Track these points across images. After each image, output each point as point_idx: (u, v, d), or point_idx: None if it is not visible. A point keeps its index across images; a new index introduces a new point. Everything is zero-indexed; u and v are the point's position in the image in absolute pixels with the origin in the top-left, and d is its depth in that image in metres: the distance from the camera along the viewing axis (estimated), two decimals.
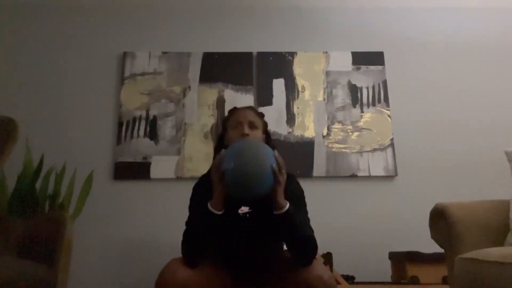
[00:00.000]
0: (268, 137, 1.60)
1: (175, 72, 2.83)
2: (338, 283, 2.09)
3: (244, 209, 1.40)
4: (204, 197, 1.35)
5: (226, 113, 1.63)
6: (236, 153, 1.25)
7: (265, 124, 1.60)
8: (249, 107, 1.58)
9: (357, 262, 2.51)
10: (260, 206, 1.37)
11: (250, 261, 1.45)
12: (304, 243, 1.30)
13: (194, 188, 1.54)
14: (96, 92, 2.80)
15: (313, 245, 1.31)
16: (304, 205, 1.49)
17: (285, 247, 1.44)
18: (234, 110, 1.57)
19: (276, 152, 1.32)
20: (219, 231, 1.32)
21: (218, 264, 1.44)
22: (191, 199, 1.52)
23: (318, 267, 1.27)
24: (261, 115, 1.60)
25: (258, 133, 1.52)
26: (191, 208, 1.49)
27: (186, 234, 1.36)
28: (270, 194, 1.29)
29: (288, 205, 1.30)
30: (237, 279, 1.45)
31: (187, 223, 1.43)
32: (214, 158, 1.49)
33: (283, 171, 1.30)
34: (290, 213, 1.29)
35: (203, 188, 1.45)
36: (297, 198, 1.45)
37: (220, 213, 1.30)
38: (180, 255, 1.35)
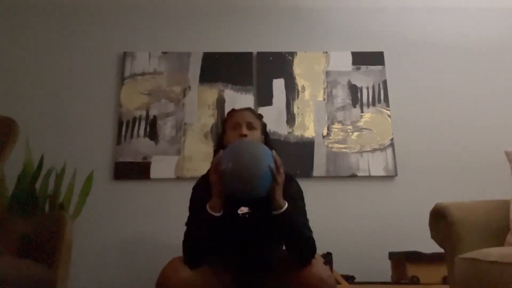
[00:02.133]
0: (266, 138, 1.61)
1: (175, 72, 2.83)
2: (338, 283, 2.09)
3: (243, 209, 1.40)
4: (203, 198, 1.36)
5: (226, 113, 1.64)
6: (234, 154, 1.26)
7: (263, 125, 1.61)
8: (248, 108, 1.59)
9: (357, 262, 2.51)
10: (259, 206, 1.37)
11: (250, 261, 1.44)
12: (303, 243, 1.31)
13: (194, 189, 1.54)
14: (96, 92, 2.80)
15: (312, 245, 1.32)
16: (303, 205, 1.49)
17: (284, 247, 1.44)
18: (232, 112, 1.58)
19: (274, 152, 1.32)
20: (218, 232, 1.32)
21: (218, 263, 1.44)
22: (191, 200, 1.52)
23: (318, 266, 1.27)
24: (260, 116, 1.60)
25: (257, 134, 1.53)
26: (190, 209, 1.50)
27: (186, 235, 1.37)
28: (268, 194, 1.29)
29: (286, 205, 1.30)
30: (237, 279, 1.45)
31: (187, 224, 1.43)
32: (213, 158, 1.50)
33: (281, 171, 1.31)
34: (289, 213, 1.30)
35: (202, 189, 1.46)
36: (296, 198, 1.45)
37: (218, 215, 1.30)
38: (180, 254, 1.36)
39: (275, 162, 1.29)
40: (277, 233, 1.33)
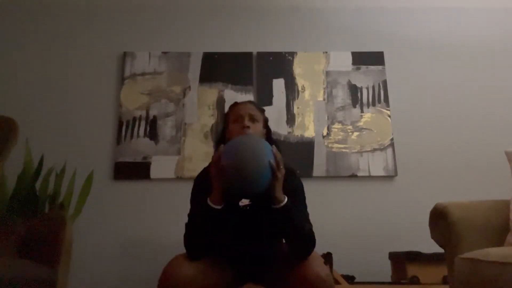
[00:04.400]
0: (268, 132, 1.62)
1: (175, 72, 2.83)
2: (338, 283, 2.09)
3: (244, 202, 1.41)
4: (204, 191, 1.37)
5: (228, 107, 1.65)
6: (235, 148, 1.27)
7: (265, 119, 1.62)
8: (250, 102, 1.60)
9: (357, 262, 2.51)
10: (260, 198, 1.38)
11: (251, 254, 1.44)
12: (302, 236, 1.32)
13: (195, 182, 1.55)
14: (96, 92, 2.80)
15: (311, 239, 1.33)
16: (303, 198, 1.50)
17: (284, 240, 1.45)
18: (234, 105, 1.59)
19: (274, 148, 1.33)
20: (219, 224, 1.33)
21: (220, 257, 1.44)
22: (192, 193, 1.53)
23: (316, 264, 1.27)
24: (262, 110, 1.61)
25: (259, 127, 1.53)
26: (192, 201, 1.51)
27: (188, 228, 1.38)
28: (268, 189, 1.30)
29: (286, 200, 1.31)
30: (239, 274, 1.45)
31: (189, 215, 1.44)
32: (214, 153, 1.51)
33: (281, 167, 1.31)
34: (289, 208, 1.31)
35: (203, 182, 1.46)
36: (296, 192, 1.46)
37: (219, 207, 1.31)
38: (181, 252, 1.36)
39: (275, 157, 1.30)
40: (277, 226, 1.34)
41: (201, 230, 1.33)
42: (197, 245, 1.33)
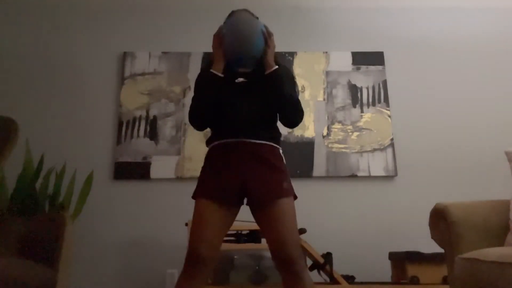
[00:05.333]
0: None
1: (175, 72, 2.83)
2: (338, 283, 2.09)
3: (240, 79, 1.55)
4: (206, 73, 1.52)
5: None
6: (232, 22, 1.49)
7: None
8: (245, 9, 1.66)
9: (357, 262, 2.51)
10: (254, 76, 1.53)
11: (248, 123, 1.48)
12: (292, 104, 1.47)
13: (197, 76, 1.63)
14: (96, 92, 2.80)
15: (300, 107, 1.49)
16: (292, 77, 1.62)
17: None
18: (231, 13, 1.65)
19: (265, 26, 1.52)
20: (220, 93, 1.47)
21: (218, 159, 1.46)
22: (196, 83, 1.61)
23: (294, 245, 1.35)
24: (256, 17, 1.68)
25: None
26: (195, 89, 1.58)
27: (193, 102, 1.50)
28: (262, 56, 1.48)
29: (277, 67, 1.48)
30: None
31: (193, 99, 1.52)
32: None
33: (272, 38, 1.50)
34: (279, 72, 1.47)
35: (205, 71, 1.57)
36: (288, 74, 1.58)
37: (221, 75, 1.47)
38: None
39: (267, 29, 1.51)
40: (269, 94, 1.48)
41: (205, 99, 1.47)
42: (200, 114, 1.47)
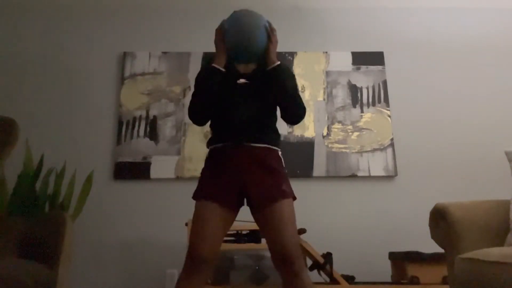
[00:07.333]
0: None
1: (175, 72, 2.83)
2: (338, 283, 2.09)
3: (242, 81, 1.53)
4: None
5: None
6: (234, 17, 1.47)
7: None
8: (246, 9, 1.66)
9: (357, 262, 2.51)
10: (255, 77, 1.52)
11: (248, 126, 1.47)
12: (295, 97, 1.47)
13: (202, 63, 1.66)
14: (96, 92, 2.80)
15: (302, 103, 1.48)
16: (295, 80, 1.59)
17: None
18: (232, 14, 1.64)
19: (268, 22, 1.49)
20: (220, 89, 1.46)
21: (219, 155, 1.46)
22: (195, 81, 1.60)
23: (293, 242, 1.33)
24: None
25: None
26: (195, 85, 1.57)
27: (193, 97, 1.50)
28: (264, 52, 1.46)
29: (279, 63, 1.46)
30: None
31: (193, 94, 1.53)
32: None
33: (275, 34, 1.48)
34: (282, 68, 1.46)
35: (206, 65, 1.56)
36: (290, 71, 1.56)
37: (223, 70, 1.45)
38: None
39: (270, 25, 1.48)
40: (271, 92, 1.47)
41: (205, 94, 1.47)
42: (200, 108, 1.48)
